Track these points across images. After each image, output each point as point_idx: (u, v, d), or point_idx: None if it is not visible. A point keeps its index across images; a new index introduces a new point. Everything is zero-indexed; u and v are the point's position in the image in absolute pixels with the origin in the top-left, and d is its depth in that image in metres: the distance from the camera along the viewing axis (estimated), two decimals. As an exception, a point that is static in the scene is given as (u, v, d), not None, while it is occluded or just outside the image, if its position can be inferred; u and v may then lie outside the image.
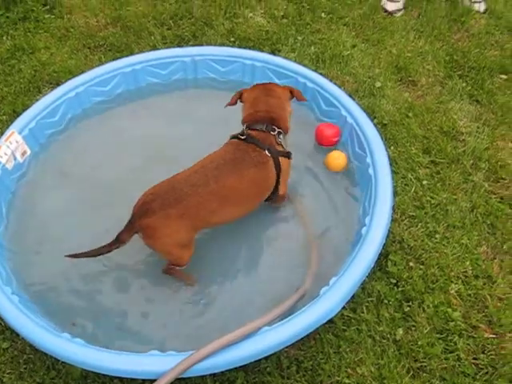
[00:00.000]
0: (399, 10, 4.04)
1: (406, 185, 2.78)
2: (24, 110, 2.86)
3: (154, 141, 2.86)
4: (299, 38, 3.75)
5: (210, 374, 2.05)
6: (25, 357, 2.17)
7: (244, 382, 2.07)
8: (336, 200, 2.59)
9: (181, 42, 3.74)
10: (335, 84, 2.96)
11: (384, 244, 2.20)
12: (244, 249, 2.44)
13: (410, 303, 2.31)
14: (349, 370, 2.12)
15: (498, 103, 3.30)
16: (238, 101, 2.51)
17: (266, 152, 2.29)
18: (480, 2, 4.08)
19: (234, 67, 3.17)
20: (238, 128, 2.41)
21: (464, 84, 3.44)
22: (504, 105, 3.29)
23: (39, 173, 2.76)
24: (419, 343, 2.18)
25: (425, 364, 2.14)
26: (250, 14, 3.97)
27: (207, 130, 2.84)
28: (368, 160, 2.51)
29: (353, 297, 2.16)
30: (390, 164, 2.50)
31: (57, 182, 2.73)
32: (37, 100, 2.97)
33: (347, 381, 2.08)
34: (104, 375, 2.05)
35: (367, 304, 2.30)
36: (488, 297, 2.34)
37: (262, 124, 2.35)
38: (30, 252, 2.43)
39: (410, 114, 3.19)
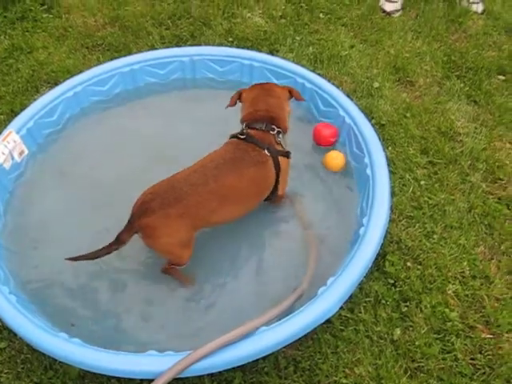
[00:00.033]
0: (397, 11, 4.05)
1: (403, 185, 2.78)
2: (22, 110, 2.86)
3: (152, 140, 2.86)
4: (297, 38, 3.76)
5: (208, 374, 2.04)
6: (22, 357, 2.16)
7: (242, 381, 2.07)
8: (334, 200, 2.60)
9: (179, 42, 3.73)
10: (333, 84, 2.97)
11: (382, 244, 2.20)
12: (243, 249, 2.44)
13: (408, 303, 2.31)
14: (346, 370, 2.12)
15: (496, 104, 3.30)
16: (237, 101, 2.51)
17: (266, 151, 2.29)
18: (478, 3, 4.09)
19: (233, 67, 3.17)
20: (236, 128, 2.42)
21: (462, 85, 3.45)
22: (502, 105, 3.29)
23: (37, 172, 2.76)
24: (417, 343, 2.18)
25: (422, 364, 2.14)
26: (249, 14, 3.97)
27: (206, 130, 2.84)
28: (366, 160, 2.52)
29: (350, 297, 2.16)
30: (388, 164, 2.50)
31: (55, 182, 2.73)
32: (35, 99, 2.97)
33: (345, 381, 2.08)
34: (102, 375, 2.04)
35: (365, 304, 2.30)
36: (485, 297, 2.35)
37: (262, 123, 2.36)
38: (28, 252, 2.43)
39: (408, 115, 3.19)
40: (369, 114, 3.10)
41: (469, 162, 2.92)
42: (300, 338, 1.94)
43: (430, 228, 2.60)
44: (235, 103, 2.51)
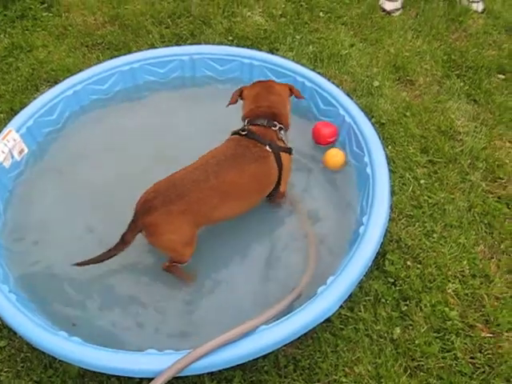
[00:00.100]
0: (397, 10, 4.05)
1: (403, 184, 2.78)
2: (22, 108, 2.86)
3: (152, 139, 2.87)
4: (297, 37, 3.75)
5: (208, 373, 2.04)
6: (22, 355, 2.17)
7: (241, 380, 2.07)
8: (334, 199, 2.60)
9: (179, 41, 3.73)
10: (333, 83, 2.97)
11: (381, 243, 2.20)
12: (243, 248, 2.43)
13: (408, 302, 2.31)
14: (346, 369, 2.12)
15: (496, 103, 3.30)
16: (238, 98, 2.51)
17: (267, 147, 2.29)
18: (478, 2, 4.09)
19: (232, 66, 3.16)
20: (237, 126, 2.41)
21: (462, 83, 3.44)
22: (501, 104, 3.29)
23: (37, 171, 2.75)
24: (416, 342, 2.18)
25: (422, 363, 2.14)
26: (249, 13, 3.97)
27: (206, 129, 2.84)
28: (366, 159, 2.51)
29: (350, 296, 2.16)
30: (388, 163, 2.50)
31: (54, 181, 2.72)
32: (34, 98, 2.96)
33: (344, 380, 2.08)
34: (101, 374, 2.04)
35: (365, 303, 2.30)
36: (485, 296, 2.35)
37: (264, 119, 2.36)
38: (28, 250, 2.42)
39: (408, 114, 3.19)
40: (369, 112, 3.10)
41: (469, 161, 2.92)
42: (300, 337, 1.94)
43: (429, 227, 2.60)
44: (236, 101, 2.51)
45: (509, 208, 2.71)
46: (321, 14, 3.99)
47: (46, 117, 2.87)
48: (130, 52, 3.44)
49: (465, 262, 2.46)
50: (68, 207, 2.59)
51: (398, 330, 2.22)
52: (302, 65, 3.13)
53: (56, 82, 3.24)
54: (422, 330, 2.22)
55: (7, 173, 2.64)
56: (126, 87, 3.16)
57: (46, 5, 4.05)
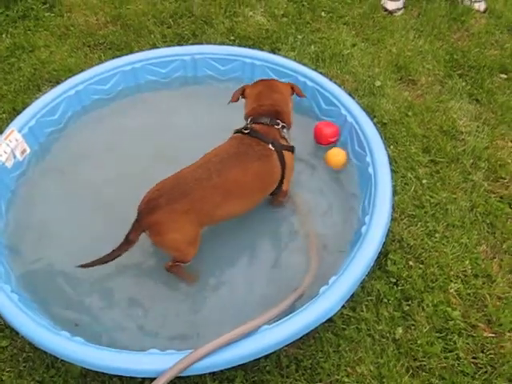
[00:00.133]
0: (399, 9, 4.04)
1: (405, 184, 2.78)
2: (24, 109, 2.86)
3: (154, 139, 2.87)
4: (299, 36, 3.75)
5: (210, 373, 2.05)
6: (24, 355, 2.17)
7: (243, 380, 2.07)
8: (336, 199, 2.59)
9: (181, 41, 3.73)
10: (335, 83, 2.97)
11: (384, 243, 2.20)
12: (245, 248, 2.43)
13: (410, 302, 2.31)
14: (348, 369, 2.12)
15: (498, 102, 3.30)
16: (240, 97, 2.51)
17: (270, 146, 2.29)
18: (480, 2, 4.08)
19: (234, 66, 3.16)
20: (238, 126, 2.41)
21: (464, 83, 3.44)
22: (504, 104, 3.29)
23: (39, 171, 2.76)
24: (418, 342, 2.18)
25: (424, 363, 2.14)
26: (250, 13, 3.97)
27: (207, 129, 2.84)
28: (368, 159, 2.51)
29: (352, 296, 2.16)
30: (390, 163, 2.50)
31: (56, 181, 2.73)
32: (36, 98, 2.97)
33: (346, 380, 2.08)
34: (103, 373, 2.04)
35: (367, 303, 2.30)
36: (487, 296, 2.34)
37: (267, 117, 2.36)
38: (30, 250, 2.43)
39: (410, 113, 3.19)
40: (370, 112, 3.10)
41: (471, 161, 2.92)
42: (302, 337, 1.94)
43: (431, 227, 2.59)
44: (238, 99, 2.51)
45: (511, 208, 2.71)
46: (323, 13, 3.99)
47: (48, 117, 2.87)
48: (131, 52, 3.44)
49: (467, 262, 2.46)
50: (70, 207, 2.59)
51: (400, 330, 2.22)
52: (304, 64, 3.13)
53: (58, 82, 3.24)
54: (424, 330, 2.22)
55: (9, 173, 2.64)
56: (128, 87, 3.16)
57: (47, 5, 4.06)
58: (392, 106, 3.22)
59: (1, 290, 2.06)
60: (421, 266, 2.44)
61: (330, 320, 2.07)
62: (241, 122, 2.44)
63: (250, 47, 3.49)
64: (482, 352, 2.17)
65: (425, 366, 2.13)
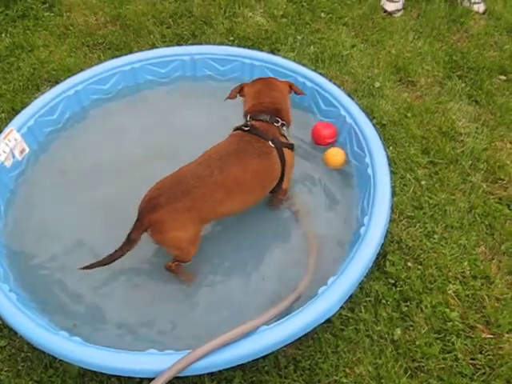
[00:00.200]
0: (398, 11, 4.05)
1: (404, 185, 2.78)
2: (23, 108, 2.86)
3: (153, 139, 2.87)
4: (298, 37, 3.75)
5: (208, 373, 2.05)
6: (22, 355, 2.17)
7: (242, 380, 2.07)
8: (335, 200, 2.59)
9: (180, 41, 3.73)
10: (334, 84, 2.96)
11: (382, 244, 2.20)
12: (243, 248, 2.43)
13: (408, 303, 2.31)
14: (346, 370, 2.12)
15: (497, 104, 3.30)
16: (238, 95, 2.51)
17: (270, 143, 2.29)
18: (479, 3, 4.09)
19: (234, 66, 3.16)
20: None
21: (463, 84, 3.44)
22: (503, 105, 3.29)
23: (38, 171, 2.75)
24: (417, 343, 2.18)
25: (422, 364, 2.14)
26: (250, 14, 3.97)
27: (206, 128, 2.84)
28: (367, 160, 2.51)
29: (351, 296, 2.16)
30: (389, 164, 2.50)
31: (56, 180, 2.72)
32: (35, 98, 2.96)
33: (345, 380, 2.08)
34: (102, 373, 2.04)
35: (365, 304, 2.30)
36: (486, 297, 2.35)
37: (267, 114, 2.36)
38: (29, 250, 2.42)
39: (409, 115, 3.19)
40: (370, 113, 3.10)
41: (470, 162, 2.92)
42: (300, 338, 1.94)
43: (430, 228, 2.60)
44: (235, 96, 2.51)
45: (510, 209, 2.71)
46: (322, 14, 3.99)
47: (47, 116, 2.87)
48: (131, 52, 3.44)
49: (465, 263, 2.46)
50: (69, 206, 2.59)
51: (398, 331, 2.22)
52: (303, 65, 3.13)
53: (57, 82, 3.24)
54: (423, 331, 2.22)
55: (8, 172, 2.64)
56: (128, 87, 3.16)
57: (47, 4, 4.06)
58: (391, 107, 3.23)
59: (-1, 289, 2.06)
60: (419, 267, 2.44)
61: (328, 321, 2.07)
62: (240, 122, 2.44)
63: (249, 48, 3.50)
64: (481, 353, 2.17)
65: (423, 366, 2.13)
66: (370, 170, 2.46)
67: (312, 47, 3.66)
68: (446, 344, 2.20)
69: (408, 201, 2.70)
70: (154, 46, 3.64)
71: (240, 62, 3.14)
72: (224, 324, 1.94)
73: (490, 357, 2.16)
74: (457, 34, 3.89)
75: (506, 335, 2.23)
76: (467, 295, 2.35)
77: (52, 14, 4.00)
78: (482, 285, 2.40)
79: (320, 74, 3.07)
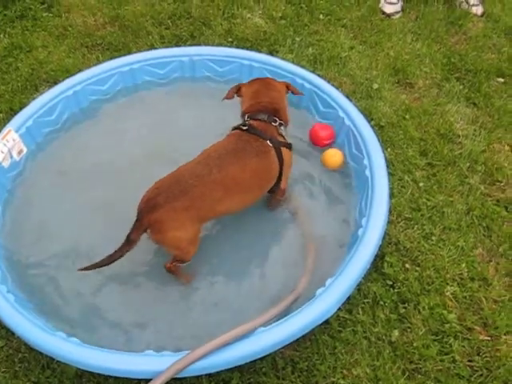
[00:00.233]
0: (397, 13, 4.05)
1: (402, 187, 2.78)
2: (21, 109, 2.86)
3: (152, 139, 2.87)
4: (297, 39, 3.76)
5: (206, 374, 2.04)
6: (20, 355, 2.16)
7: (239, 382, 2.07)
8: (333, 201, 2.60)
9: (179, 42, 3.73)
10: (333, 85, 2.97)
11: (380, 245, 2.21)
12: (242, 248, 2.43)
13: (406, 305, 2.32)
14: (344, 371, 2.12)
15: (495, 106, 3.31)
16: (235, 95, 2.52)
17: (268, 142, 2.29)
18: (477, 6, 4.10)
19: (232, 67, 3.17)
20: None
21: (461, 87, 3.45)
22: (501, 108, 3.30)
23: (36, 171, 2.75)
24: (414, 345, 2.19)
25: (420, 366, 2.14)
26: (248, 15, 3.97)
27: (206, 129, 2.84)
28: (365, 162, 2.52)
29: (349, 298, 2.16)
30: (387, 166, 2.50)
31: (54, 181, 2.72)
32: (34, 98, 2.96)
33: (342, 382, 2.08)
34: (99, 374, 2.04)
35: (363, 305, 2.30)
36: (483, 299, 2.35)
37: (265, 114, 2.36)
38: (27, 251, 2.42)
39: (407, 116, 3.19)
40: (368, 115, 3.10)
41: (467, 164, 2.93)
42: (298, 339, 1.94)
43: (428, 230, 2.60)
44: (233, 96, 2.51)
45: (507, 211, 2.71)
46: (321, 16, 3.99)
47: (46, 117, 2.87)
48: (129, 53, 3.44)
49: (463, 265, 2.46)
50: (67, 207, 2.59)
51: (396, 333, 2.22)
52: (302, 67, 3.13)
53: (55, 83, 3.24)
54: (420, 333, 2.22)
55: (6, 173, 2.64)
56: (126, 88, 3.16)
57: (46, 5, 4.05)
58: (389, 109, 3.23)
59: (-3, 290, 2.06)
60: (417, 268, 2.45)
61: (326, 322, 2.07)
62: (238, 123, 2.44)
63: (247, 49, 3.50)
64: (478, 355, 2.18)
65: (420, 368, 2.13)
66: (368, 172, 2.46)
67: (310, 49, 3.66)
68: (444, 346, 2.20)
69: (406, 202, 2.70)
70: (152, 47, 3.64)
71: (238, 63, 3.15)
72: (223, 324, 1.94)
73: (488, 359, 2.16)
74: (455, 36, 3.90)
75: (504, 337, 2.23)
76: (465, 297, 2.36)
77: (50, 15, 3.99)
78: (480, 287, 2.40)
79: (318, 75, 3.07)
